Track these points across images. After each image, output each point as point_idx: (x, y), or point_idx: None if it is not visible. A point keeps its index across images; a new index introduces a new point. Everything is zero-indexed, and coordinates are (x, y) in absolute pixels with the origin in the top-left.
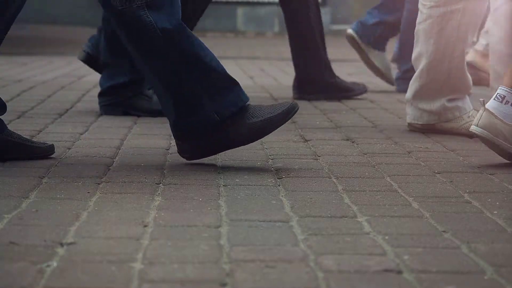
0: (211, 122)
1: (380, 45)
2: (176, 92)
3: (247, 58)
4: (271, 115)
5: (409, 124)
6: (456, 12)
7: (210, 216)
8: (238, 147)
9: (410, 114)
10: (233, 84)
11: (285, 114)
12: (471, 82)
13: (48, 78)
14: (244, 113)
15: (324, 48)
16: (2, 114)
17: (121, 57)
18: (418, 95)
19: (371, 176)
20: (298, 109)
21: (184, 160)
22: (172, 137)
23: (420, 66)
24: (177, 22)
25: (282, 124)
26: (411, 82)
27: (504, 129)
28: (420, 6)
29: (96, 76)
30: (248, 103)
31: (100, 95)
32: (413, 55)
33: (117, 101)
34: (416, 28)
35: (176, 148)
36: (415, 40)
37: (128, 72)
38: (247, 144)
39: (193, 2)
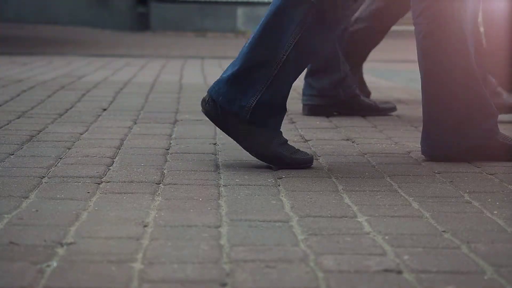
0: (241, 112)
1: None
2: (245, 71)
3: None
4: (294, 155)
5: None
6: None
7: (210, 216)
8: (253, 157)
9: None
10: (283, 111)
11: (304, 162)
12: None
13: (48, 78)
14: (276, 138)
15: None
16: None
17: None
18: None
19: (371, 176)
20: (312, 163)
21: (184, 160)
22: (172, 137)
23: None
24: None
25: (295, 166)
26: None
27: None
28: None
29: (96, 76)
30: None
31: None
32: None
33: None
34: None
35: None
36: None
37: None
38: (262, 161)
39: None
